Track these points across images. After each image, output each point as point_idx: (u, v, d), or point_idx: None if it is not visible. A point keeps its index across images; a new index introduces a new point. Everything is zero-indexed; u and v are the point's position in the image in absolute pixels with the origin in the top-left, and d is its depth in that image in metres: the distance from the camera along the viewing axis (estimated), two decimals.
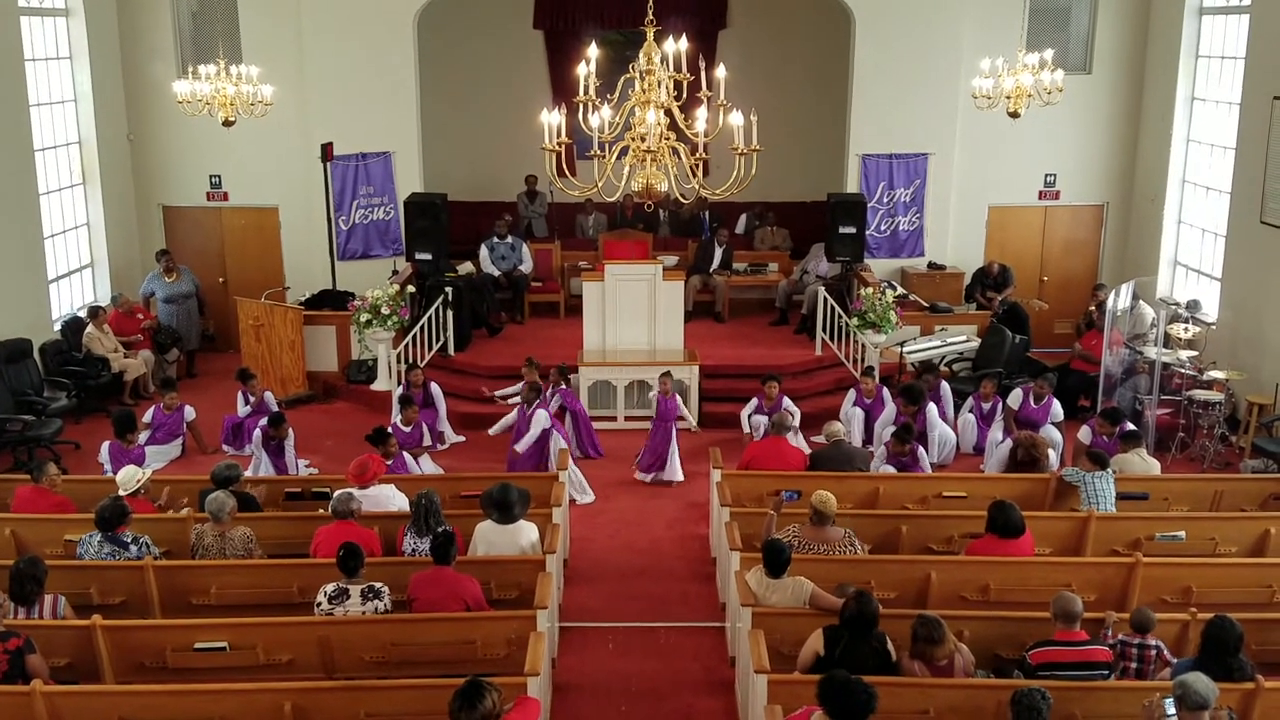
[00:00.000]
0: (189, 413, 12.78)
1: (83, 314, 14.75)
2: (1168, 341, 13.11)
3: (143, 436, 12.31)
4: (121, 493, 9.02)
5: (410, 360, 13.74)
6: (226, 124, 13.42)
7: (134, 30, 16.12)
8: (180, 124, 15.16)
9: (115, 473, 9.86)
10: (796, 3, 17.38)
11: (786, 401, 12.39)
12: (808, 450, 11.12)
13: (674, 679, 8.44)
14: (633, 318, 13.75)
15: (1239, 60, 14.02)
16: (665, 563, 10.37)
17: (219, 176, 16.50)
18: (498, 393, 12.81)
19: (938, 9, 15.57)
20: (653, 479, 12.10)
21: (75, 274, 15.63)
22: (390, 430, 11.03)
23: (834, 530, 8.44)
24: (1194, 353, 13.19)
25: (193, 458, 12.68)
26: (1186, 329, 13.49)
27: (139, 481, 9.28)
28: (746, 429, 12.50)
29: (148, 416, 12.66)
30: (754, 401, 12.55)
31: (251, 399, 12.88)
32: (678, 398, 12.30)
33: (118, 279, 15.99)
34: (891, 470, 10.95)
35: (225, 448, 12.82)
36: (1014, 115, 12.86)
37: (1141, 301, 13.97)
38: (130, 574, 8.19)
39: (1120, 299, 13.02)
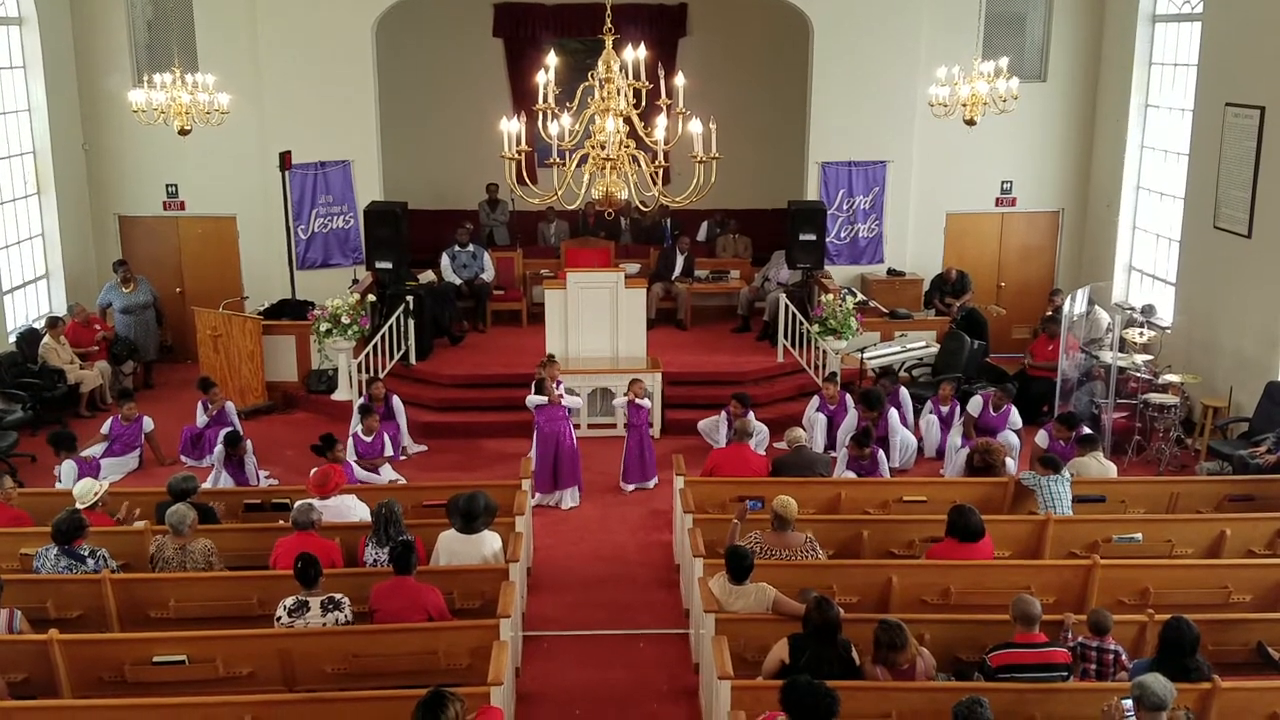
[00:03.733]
0: (147, 424, 12.66)
1: (38, 325, 14.56)
2: (1123, 346, 13.25)
3: (100, 448, 12.22)
4: (79, 506, 8.92)
5: (371, 370, 13.66)
6: (182, 133, 13.28)
7: (88, 39, 15.93)
8: (136, 133, 15.01)
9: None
10: (756, 11, 17.45)
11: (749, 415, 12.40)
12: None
13: (638, 686, 8.45)
14: (595, 325, 13.74)
15: (1191, 67, 14.20)
16: (629, 570, 10.37)
17: (175, 186, 16.33)
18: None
19: (895, 18, 15.66)
20: (636, 487, 12.08)
21: (30, 285, 15.43)
22: (336, 437, 10.95)
23: (795, 535, 8.48)
24: (1149, 357, 13.33)
25: (151, 469, 12.54)
26: (1142, 333, 13.62)
27: (96, 494, 9.19)
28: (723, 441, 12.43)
29: (105, 428, 12.53)
30: (723, 415, 12.53)
31: (211, 408, 12.78)
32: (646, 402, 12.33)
33: (73, 290, 15.78)
34: (852, 475, 11.01)
35: (183, 458, 12.72)
36: (970, 123, 12.97)
37: (1097, 306, 14.12)
38: (88, 587, 8.11)
39: (1076, 304, 13.16)
